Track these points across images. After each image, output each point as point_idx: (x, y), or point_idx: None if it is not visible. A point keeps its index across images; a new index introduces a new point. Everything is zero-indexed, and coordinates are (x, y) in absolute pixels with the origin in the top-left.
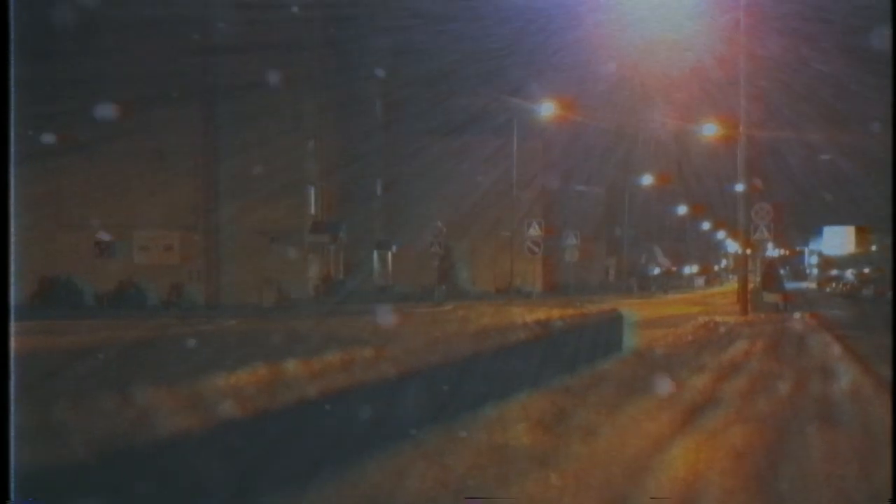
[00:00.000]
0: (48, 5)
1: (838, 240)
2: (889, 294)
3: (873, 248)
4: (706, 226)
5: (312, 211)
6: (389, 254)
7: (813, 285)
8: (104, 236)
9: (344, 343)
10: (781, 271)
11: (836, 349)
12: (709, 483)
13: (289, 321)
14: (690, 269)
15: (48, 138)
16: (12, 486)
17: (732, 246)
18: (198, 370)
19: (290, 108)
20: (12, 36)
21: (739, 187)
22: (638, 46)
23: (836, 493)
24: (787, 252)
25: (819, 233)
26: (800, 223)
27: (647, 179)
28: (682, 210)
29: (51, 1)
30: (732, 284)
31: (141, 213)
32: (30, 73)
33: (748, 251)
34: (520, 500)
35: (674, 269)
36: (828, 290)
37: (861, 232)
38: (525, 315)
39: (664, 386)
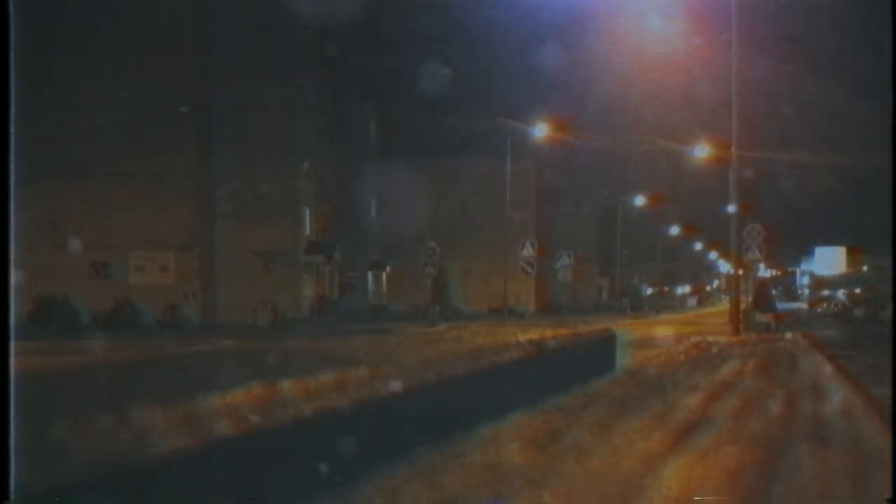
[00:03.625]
0: (43, 27)
1: (830, 260)
2: (881, 314)
3: (864, 268)
4: (698, 246)
5: (307, 231)
6: (384, 274)
7: (805, 305)
8: (100, 257)
9: (339, 363)
10: (773, 291)
11: (828, 369)
12: (701, 501)
13: (284, 341)
14: (683, 290)
15: (45, 159)
16: (12, 485)
17: (725, 266)
18: (194, 390)
19: (285, 129)
20: (12, 56)
21: (731, 208)
22: (631, 68)
23: None
24: (779, 272)
25: (811, 253)
26: (792, 243)
27: (640, 200)
28: (675, 230)
29: (46, 23)
30: (725, 304)
31: (137, 233)
32: (27, 95)
33: (740, 271)
34: None
35: (666, 289)
36: (819, 310)
37: (852, 252)
38: (518, 335)
39: (657, 405)
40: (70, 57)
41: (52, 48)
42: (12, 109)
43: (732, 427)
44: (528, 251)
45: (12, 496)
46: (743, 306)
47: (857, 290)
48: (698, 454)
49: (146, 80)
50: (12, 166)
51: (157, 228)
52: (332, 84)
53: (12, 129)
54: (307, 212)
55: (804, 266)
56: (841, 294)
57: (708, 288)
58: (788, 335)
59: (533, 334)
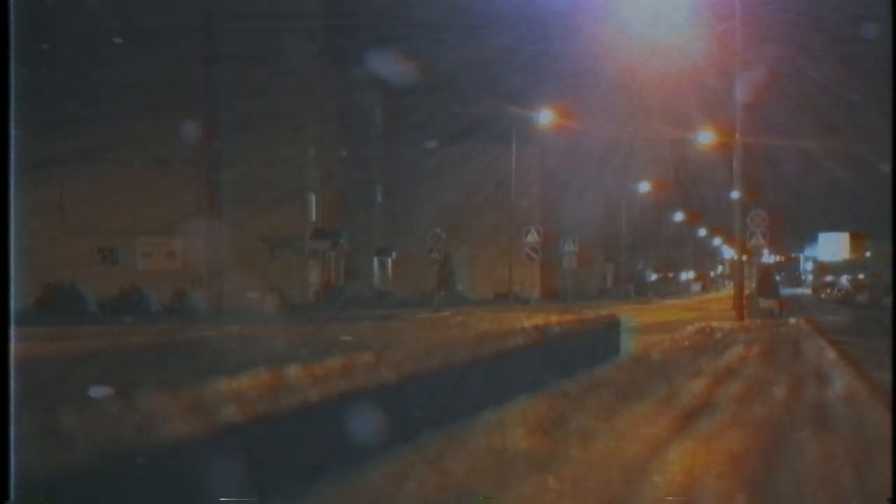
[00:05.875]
0: (50, 13)
1: (833, 246)
2: (884, 300)
3: (867, 254)
4: (703, 232)
5: (313, 218)
6: (389, 260)
7: (808, 291)
8: (107, 243)
9: (345, 348)
10: (777, 277)
11: (831, 354)
12: (706, 486)
13: (290, 327)
14: (687, 276)
15: (52, 145)
16: (12, 485)
17: (729, 252)
18: (201, 374)
19: (290, 116)
20: (12, 43)
21: (735, 194)
22: (635, 55)
23: (831, 495)
24: (783, 258)
25: (814, 239)
26: (795, 230)
27: (645, 187)
28: (679, 217)
29: (53, 9)
30: (729, 290)
31: (144, 219)
32: (34, 81)
33: (744, 257)
34: None
35: (670, 275)
36: (823, 295)
37: (855, 238)
38: (523, 320)
39: (661, 390)
40: (75, 43)
41: (57, 35)
42: (12, 99)
43: (736, 412)
44: (532, 237)
45: (12, 496)
46: (747, 292)
47: (861, 276)
48: (702, 439)
49: (152, 67)
50: (13, 154)
51: (163, 215)
52: (337, 70)
53: (13, 119)
54: (313, 198)
55: (808, 252)
56: (844, 280)
57: (712, 274)
58: (792, 321)
59: (538, 320)
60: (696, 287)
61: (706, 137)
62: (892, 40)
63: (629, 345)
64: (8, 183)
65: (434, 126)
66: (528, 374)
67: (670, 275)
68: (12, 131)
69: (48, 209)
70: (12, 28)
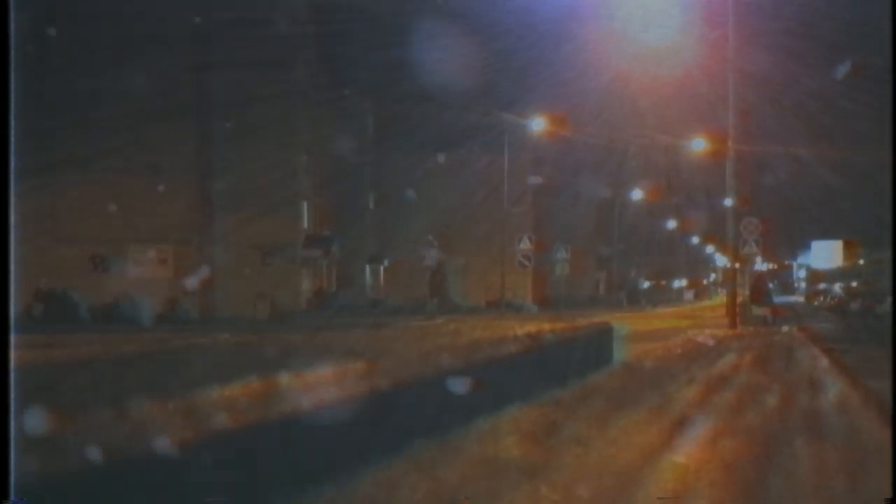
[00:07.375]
0: (46, 22)
1: (826, 254)
2: (877, 308)
3: (861, 262)
4: (695, 240)
5: (305, 225)
6: (382, 268)
7: (801, 299)
8: (99, 251)
9: (337, 356)
10: (770, 285)
11: (824, 362)
12: (698, 495)
13: (282, 334)
14: (680, 283)
15: (44, 153)
16: (12, 485)
17: (721, 260)
18: (193, 383)
19: (283, 123)
20: (12, 51)
21: (728, 202)
22: (628, 62)
23: (825, 502)
24: (776, 266)
25: (807, 247)
26: (788, 237)
27: (637, 194)
28: (672, 224)
29: (48, 18)
30: (721, 298)
31: (136, 227)
32: (27, 89)
33: (737, 265)
34: None
35: (663, 282)
36: (816, 303)
37: (849, 246)
38: (516, 328)
39: (654, 398)
40: (69, 51)
41: (51, 42)
42: (12, 105)
43: (729, 421)
44: (525, 245)
45: (12, 496)
46: (739, 300)
47: (854, 284)
48: (695, 447)
49: (146, 74)
50: (13, 160)
51: (156, 222)
52: (330, 78)
53: (13, 124)
54: (305, 206)
55: (801, 259)
56: (837, 288)
57: (704, 281)
58: (785, 328)
59: (530, 327)
60: (689, 295)
61: (699, 144)
62: (892, 43)
63: (621, 353)
64: (8, 191)
65: (426, 133)
66: (521, 381)
67: (663, 282)
68: (12, 140)
69: (40, 217)
70: (12, 35)
